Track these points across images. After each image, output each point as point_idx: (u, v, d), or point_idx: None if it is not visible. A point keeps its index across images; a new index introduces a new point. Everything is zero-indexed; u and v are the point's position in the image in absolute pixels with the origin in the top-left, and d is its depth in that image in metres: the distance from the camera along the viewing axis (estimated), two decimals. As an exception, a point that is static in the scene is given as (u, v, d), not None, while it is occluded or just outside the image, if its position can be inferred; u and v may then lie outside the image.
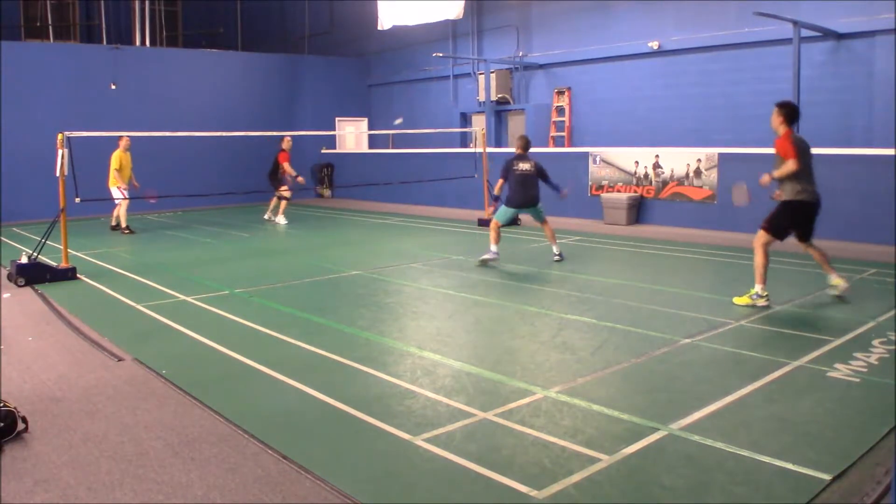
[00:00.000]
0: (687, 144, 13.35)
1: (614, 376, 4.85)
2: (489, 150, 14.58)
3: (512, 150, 16.66)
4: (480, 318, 6.59)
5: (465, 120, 18.87)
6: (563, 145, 16.51)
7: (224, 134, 14.43)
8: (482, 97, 17.71)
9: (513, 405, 4.30)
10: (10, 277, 8.42)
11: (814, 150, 11.54)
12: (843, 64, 12.14)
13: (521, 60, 17.36)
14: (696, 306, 6.71)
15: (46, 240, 8.78)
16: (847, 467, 3.44)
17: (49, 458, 3.70)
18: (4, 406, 3.91)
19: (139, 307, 7.10)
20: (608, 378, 4.81)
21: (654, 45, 14.66)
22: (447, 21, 17.94)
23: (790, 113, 6.46)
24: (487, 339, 5.99)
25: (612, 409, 4.21)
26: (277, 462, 3.61)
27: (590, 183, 14.03)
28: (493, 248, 9.21)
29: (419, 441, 3.80)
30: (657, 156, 13.07)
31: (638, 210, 13.22)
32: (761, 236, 6.56)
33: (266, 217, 14.58)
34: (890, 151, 10.02)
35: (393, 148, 20.32)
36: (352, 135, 21.70)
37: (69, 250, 8.92)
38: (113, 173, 12.87)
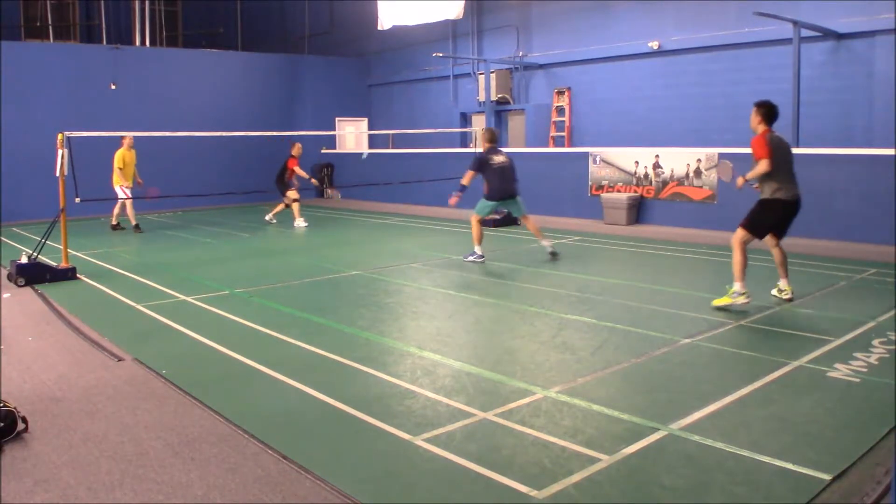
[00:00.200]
0: (687, 144, 13.35)
1: (614, 376, 4.85)
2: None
3: (512, 150, 16.74)
4: (480, 318, 6.59)
5: (465, 120, 18.87)
6: (563, 145, 16.51)
7: (224, 134, 14.42)
8: (482, 97, 17.71)
9: (513, 405, 4.30)
10: (10, 277, 8.42)
11: (814, 151, 11.60)
12: (843, 64, 12.14)
13: (521, 60, 17.37)
14: (696, 306, 6.70)
15: (46, 240, 8.79)
16: (847, 467, 3.44)
17: (49, 458, 3.70)
18: (4, 406, 3.91)
19: (139, 307, 7.10)
20: (608, 378, 4.81)
21: (654, 45, 14.66)
22: (447, 21, 17.93)
23: (768, 112, 6.45)
24: (487, 339, 5.99)
25: (612, 409, 4.21)
26: (277, 462, 3.61)
27: (590, 183, 14.03)
28: (478, 249, 9.26)
29: (419, 441, 3.80)
30: (657, 156, 13.07)
31: (638, 210, 13.22)
32: (739, 234, 6.52)
33: (267, 219, 14.55)
34: (890, 151, 10.02)
35: (393, 148, 20.32)
36: (352, 135, 21.70)
37: (69, 250, 8.91)
38: (116, 172, 12.88)
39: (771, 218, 6.53)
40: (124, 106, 16.99)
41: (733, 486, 3.27)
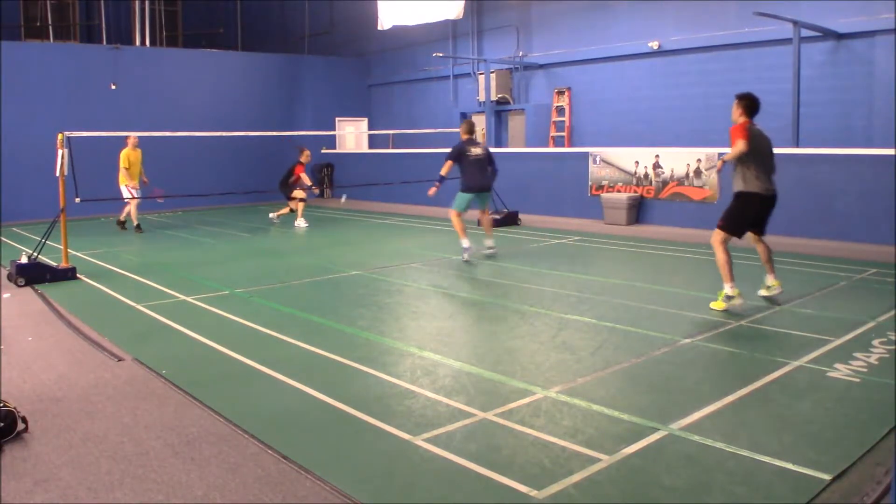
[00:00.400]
0: (687, 144, 13.35)
1: (614, 376, 4.85)
2: (489, 150, 14.57)
3: (512, 150, 16.75)
4: (480, 318, 6.59)
5: (466, 120, 18.86)
6: (563, 145, 16.51)
7: (224, 134, 14.43)
8: (482, 97, 17.71)
9: (513, 405, 4.30)
10: (10, 277, 8.42)
11: (814, 151, 11.59)
12: (843, 64, 12.15)
13: (521, 60, 17.37)
14: (696, 306, 6.70)
15: (46, 240, 8.79)
16: (847, 467, 3.44)
17: (49, 458, 3.70)
18: (4, 406, 3.91)
19: (139, 307, 7.10)
20: (608, 378, 4.81)
21: (654, 45, 14.66)
22: (447, 21, 17.93)
23: (749, 105, 6.42)
24: (487, 339, 5.99)
25: (612, 409, 4.21)
26: (277, 462, 3.61)
27: (590, 183, 14.04)
28: (465, 243, 9.24)
29: (419, 441, 3.80)
30: (657, 156, 13.07)
31: (638, 210, 13.22)
32: (717, 234, 6.46)
33: (271, 216, 14.55)
34: (890, 151, 10.02)
35: (393, 148, 20.32)
36: (352, 135, 21.70)
37: (69, 250, 8.91)
38: (122, 171, 12.87)
39: (749, 213, 6.45)
40: (124, 106, 16.99)
41: (733, 486, 3.27)
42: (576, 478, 3.36)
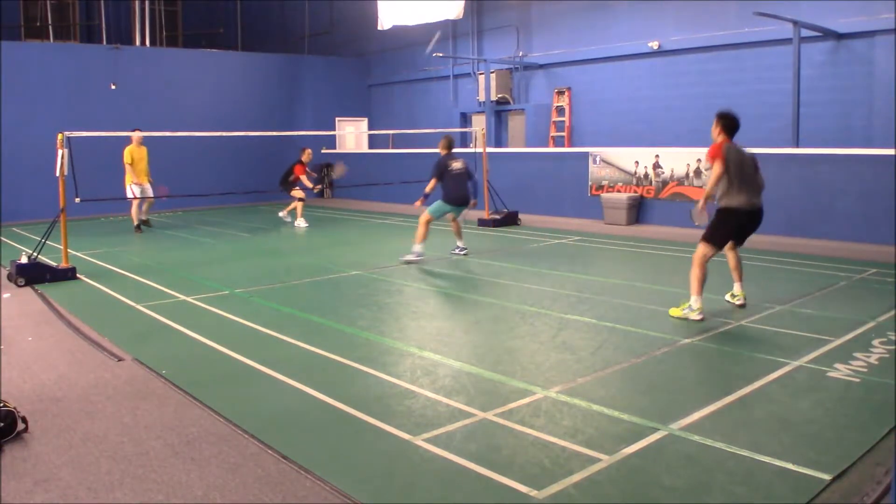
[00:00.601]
0: (687, 144, 13.34)
1: (614, 376, 4.85)
2: (489, 150, 14.59)
3: (512, 150, 16.76)
4: (480, 318, 6.59)
5: (465, 120, 18.86)
6: (563, 145, 16.51)
7: (224, 134, 14.41)
8: (482, 97, 17.71)
9: (513, 405, 4.30)
10: (10, 277, 8.42)
11: (814, 151, 11.59)
12: (843, 64, 12.14)
13: (521, 60, 17.36)
14: (696, 306, 6.69)
15: (46, 240, 8.79)
16: (847, 467, 3.44)
17: (49, 458, 3.70)
18: (4, 406, 3.91)
19: (139, 307, 7.10)
20: (608, 378, 4.81)
21: (654, 45, 14.66)
22: (447, 21, 17.94)
23: (727, 125, 6.35)
24: (487, 339, 5.99)
25: (612, 409, 4.21)
26: (277, 462, 3.61)
27: (590, 183, 14.03)
28: (418, 247, 9.36)
29: (419, 441, 3.80)
30: (657, 156, 13.07)
31: (638, 210, 13.22)
32: (701, 248, 6.31)
33: (281, 215, 14.55)
34: (890, 151, 10.02)
35: (393, 148, 20.32)
36: (352, 135, 21.70)
37: (69, 250, 8.92)
38: (126, 169, 12.85)
39: (730, 228, 6.37)
40: (124, 106, 16.98)
41: (733, 486, 3.27)
42: (576, 478, 3.36)
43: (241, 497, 3.26)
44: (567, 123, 16.58)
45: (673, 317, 6.32)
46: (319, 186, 14.82)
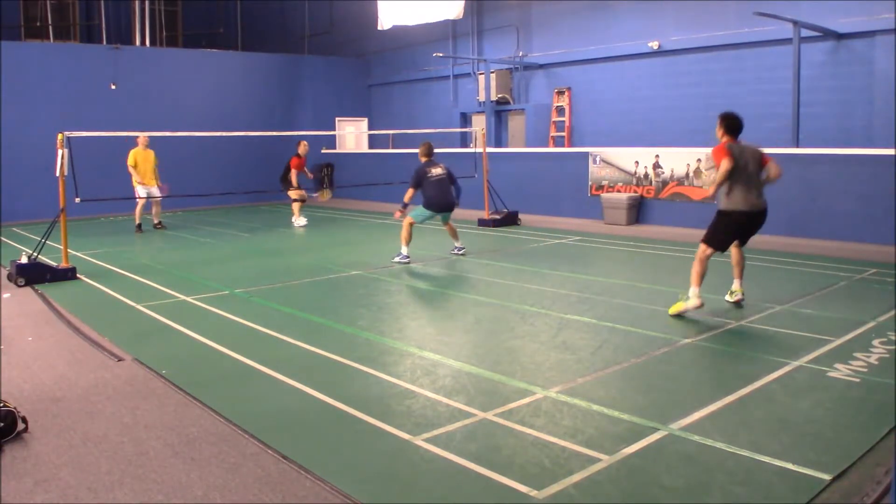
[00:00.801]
0: (687, 144, 13.34)
1: (614, 376, 4.85)
2: (489, 150, 14.59)
3: (512, 150, 16.75)
4: (480, 318, 6.59)
5: (465, 120, 18.86)
6: (563, 145, 16.51)
7: (224, 134, 14.42)
8: (482, 97, 17.71)
9: (513, 405, 4.30)
10: (10, 277, 8.42)
11: (814, 151, 11.59)
12: (843, 64, 12.14)
13: (521, 60, 17.36)
14: (696, 306, 6.70)
15: (46, 240, 8.79)
16: (847, 467, 3.44)
17: (49, 458, 3.70)
18: (4, 406, 3.91)
19: (139, 307, 7.10)
20: (608, 378, 4.81)
21: (654, 45, 14.66)
22: (447, 21, 17.94)
23: (730, 125, 6.39)
24: (487, 339, 5.99)
25: (612, 409, 4.21)
26: (277, 462, 3.61)
27: (590, 183, 14.03)
28: (404, 250, 9.39)
29: (419, 441, 3.80)
30: (657, 156, 13.07)
31: (638, 210, 13.22)
32: (702, 249, 6.38)
33: (293, 221, 14.52)
34: (890, 151, 10.02)
35: (393, 148, 20.32)
36: (352, 135, 21.70)
37: (69, 250, 8.92)
38: (130, 171, 12.91)
39: (731, 229, 6.40)
40: (124, 106, 16.99)
41: (733, 486, 3.27)
42: (576, 478, 3.36)
43: (241, 497, 3.27)
44: (567, 123, 16.58)
45: (672, 316, 6.34)
46: (324, 189, 14.75)
